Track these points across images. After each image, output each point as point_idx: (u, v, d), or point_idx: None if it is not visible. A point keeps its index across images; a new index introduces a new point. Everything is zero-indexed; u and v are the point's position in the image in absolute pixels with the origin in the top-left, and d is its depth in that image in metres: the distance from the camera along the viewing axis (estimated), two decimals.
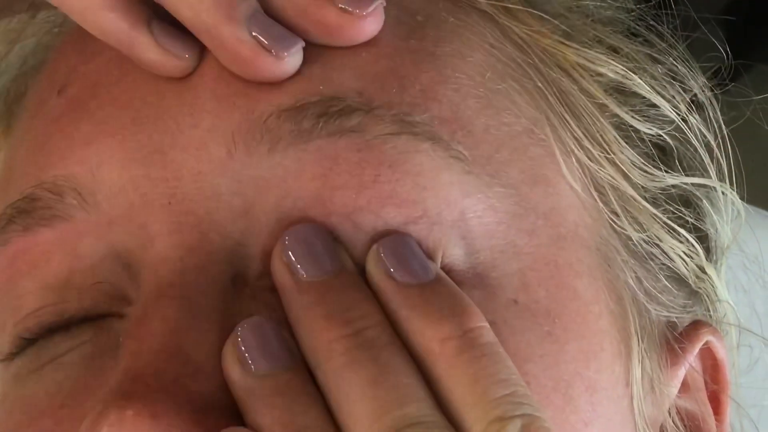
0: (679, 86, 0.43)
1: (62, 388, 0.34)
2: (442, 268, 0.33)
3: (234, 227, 0.33)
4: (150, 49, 0.34)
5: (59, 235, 0.35)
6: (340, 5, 0.34)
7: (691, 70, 0.44)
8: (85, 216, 0.35)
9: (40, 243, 0.35)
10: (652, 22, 0.45)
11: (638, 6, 0.45)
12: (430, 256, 0.33)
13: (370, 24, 0.35)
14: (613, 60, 0.40)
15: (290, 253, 0.32)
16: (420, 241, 0.33)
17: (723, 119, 0.45)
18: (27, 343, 0.36)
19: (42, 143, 0.37)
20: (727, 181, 0.45)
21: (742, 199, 0.46)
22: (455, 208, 0.34)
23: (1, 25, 0.44)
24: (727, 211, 0.46)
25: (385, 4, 0.35)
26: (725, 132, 0.45)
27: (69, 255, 0.35)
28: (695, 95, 0.44)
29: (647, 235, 0.39)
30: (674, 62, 0.44)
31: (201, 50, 0.35)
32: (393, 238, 0.33)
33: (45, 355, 0.35)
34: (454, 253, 0.33)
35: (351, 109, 0.33)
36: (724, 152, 0.44)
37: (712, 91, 0.45)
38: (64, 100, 0.37)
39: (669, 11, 0.46)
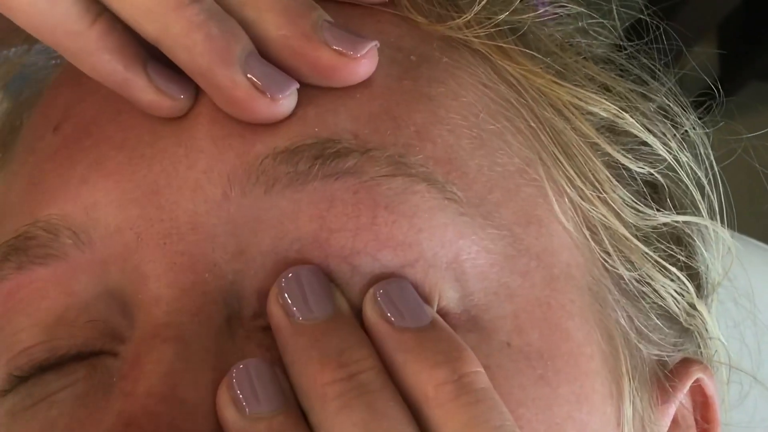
0: (671, 123, 0.43)
1: (56, 425, 0.34)
2: (438, 311, 0.33)
3: (229, 268, 0.33)
4: (145, 90, 0.34)
5: (54, 273, 0.35)
6: (334, 47, 0.34)
7: (683, 107, 0.44)
8: (80, 255, 0.35)
9: (34, 281, 0.35)
10: (643, 60, 0.45)
11: (630, 44, 0.45)
12: (427, 300, 0.33)
13: (365, 66, 0.35)
14: (605, 99, 0.41)
15: (286, 295, 0.32)
16: (416, 285, 0.33)
17: (714, 155, 0.45)
18: (19, 380, 0.36)
19: (37, 181, 0.37)
20: (718, 218, 0.45)
21: (732, 228, 0.46)
22: (450, 249, 0.34)
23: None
24: (718, 247, 0.46)
25: (378, 45, 0.35)
26: (716, 169, 0.45)
27: (63, 293, 0.35)
28: (686, 131, 0.44)
29: (639, 274, 0.40)
30: (665, 99, 0.44)
31: (196, 91, 0.35)
32: (390, 282, 0.33)
33: (38, 393, 0.35)
34: (449, 296, 0.34)
35: (347, 150, 0.34)
36: (715, 188, 0.45)
37: (703, 128, 0.45)
38: (60, 138, 0.37)
39: (661, 46, 0.46)
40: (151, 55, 0.35)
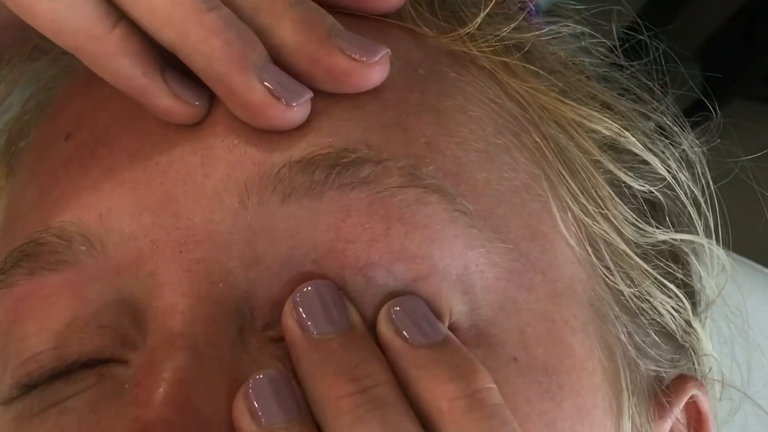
0: (669, 143, 0.44)
1: (67, 431, 0.34)
2: (449, 327, 0.34)
3: (243, 277, 0.34)
4: (162, 95, 0.35)
5: (66, 280, 0.35)
6: (348, 53, 0.35)
7: (681, 127, 0.45)
8: (93, 262, 0.35)
9: (45, 287, 0.35)
10: (644, 80, 0.46)
11: (630, 63, 0.46)
12: (439, 315, 0.33)
13: (377, 72, 0.35)
14: (607, 117, 0.41)
15: (301, 309, 0.32)
16: (429, 301, 0.34)
17: (711, 175, 0.46)
18: (28, 388, 0.36)
19: (49, 188, 0.37)
20: (713, 236, 0.46)
21: (726, 247, 0.47)
22: (459, 261, 0.34)
23: (4, 65, 0.44)
24: (713, 265, 0.47)
25: (390, 53, 0.36)
26: (713, 188, 0.46)
27: (75, 299, 0.35)
28: (684, 151, 0.45)
29: (638, 291, 0.40)
30: (664, 118, 0.45)
31: (211, 98, 0.35)
32: (404, 299, 0.33)
33: (47, 400, 0.35)
34: (459, 311, 0.34)
35: (362, 160, 0.34)
36: (711, 206, 0.45)
37: (700, 147, 0.46)
38: (72, 146, 0.37)
39: (659, 67, 0.47)
40: (166, 62, 0.35)
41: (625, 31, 0.48)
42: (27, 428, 0.35)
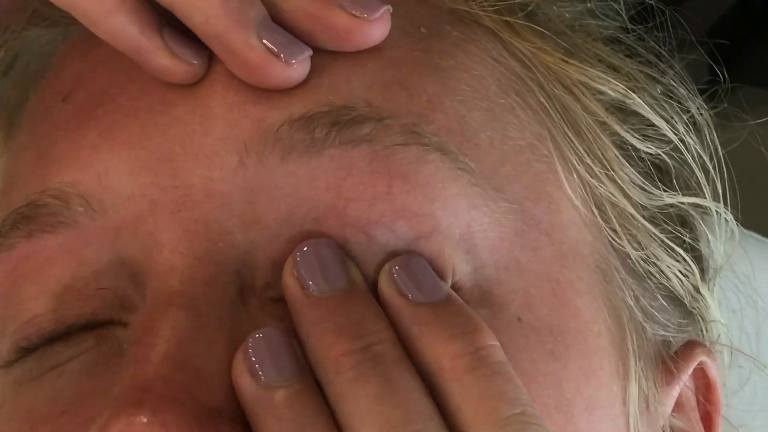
0: (677, 106, 0.43)
1: (63, 395, 0.33)
2: (452, 286, 0.33)
3: (243, 236, 0.33)
4: (160, 54, 0.34)
5: (64, 242, 0.35)
6: (348, 10, 0.34)
7: (689, 91, 0.44)
8: (91, 223, 0.34)
9: (44, 249, 0.35)
10: (651, 43, 0.45)
11: (637, 26, 0.45)
12: (441, 274, 0.33)
13: (378, 29, 0.35)
14: (613, 79, 0.41)
15: (301, 268, 0.32)
16: (431, 259, 0.33)
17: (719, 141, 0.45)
18: (26, 351, 0.35)
19: (46, 150, 0.36)
20: (722, 200, 0.45)
21: (736, 220, 0.46)
22: (462, 220, 0.34)
23: (2, 31, 0.43)
24: (721, 231, 0.46)
25: (391, 10, 0.35)
26: (721, 153, 0.45)
27: (73, 261, 0.35)
28: (692, 116, 0.44)
29: (645, 254, 0.40)
30: (672, 82, 0.44)
31: (210, 57, 0.35)
32: (405, 258, 0.33)
33: (46, 363, 0.35)
34: (462, 270, 0.34)
35: (362, 118, 0.34)
36: (719, 173, 0.45)
37: (708, 112, 0.45)
38: (70, 107, 0.37)
39: (666, 33, 0.46)
40: (164, 21, 0.35)
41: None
42: (26, 392, 0.35)
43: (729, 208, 0.46)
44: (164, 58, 0.34)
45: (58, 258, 0.35)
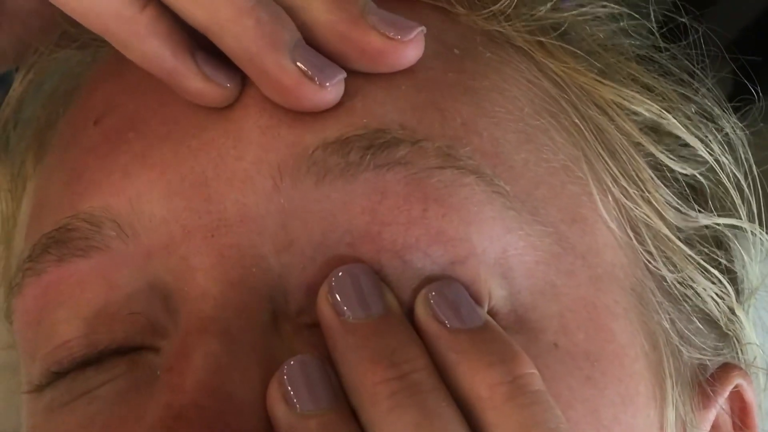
0: (712, 126, 0.43)
1: (95, 421, 0.33)
2: (488, 312, 0.33)
3: (277, 261, 0.33)
4: (193, 77, 0.34)
5: (95, 266, 0.34)
6: (382, 31, 0.34)
7: (723, 110, 0.44)
8: (123, 247, 0.34)
9: (75, 273, 0.35)
10: (684, 61, 0.44)
11: (670, 45, 0.45)
12: (477, 300, 0.33)
13: (412, 50, 0.35)
14: (648, 99, 0.40)
15: (336, 294, 0.32)
16: (467, 284, 0.33)
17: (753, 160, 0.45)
18: (57, 376, 0.35)
19: (78, 174, 0.36)
20: (757, 221, 0.45)
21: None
22: (498, 244, 0.33)
23: (32, 53, 0.43)
24: (756, 251, 0.46)
25: (425, 31, 0.35)
26: (756, 172, 0.44)
27: (105, 285, 0.34)
28: (726, 134, 0.44)
29: (681, 276, 0.39)
30: (706, 101, 0.43)
31: (243, 80, 0.35)
32: (442, 283, 0.32)
33: (77, 389, 0.34)
34: (498, 295, 0.33)
35: (397, 141, 0.33)
36: (754, 193, 0.44)
37: (743, 130, 0.45)
38: (101, 131, 0.37)
39: (698, 50, 0.46)
40: (197, 44, 0.34)
41: (665, 13, 0.47)
42: (57, 418, 0.35)
43: (765, 228, 0.45)
44: (197, 81, 0.34)
45: (89, 282, 0.35)
